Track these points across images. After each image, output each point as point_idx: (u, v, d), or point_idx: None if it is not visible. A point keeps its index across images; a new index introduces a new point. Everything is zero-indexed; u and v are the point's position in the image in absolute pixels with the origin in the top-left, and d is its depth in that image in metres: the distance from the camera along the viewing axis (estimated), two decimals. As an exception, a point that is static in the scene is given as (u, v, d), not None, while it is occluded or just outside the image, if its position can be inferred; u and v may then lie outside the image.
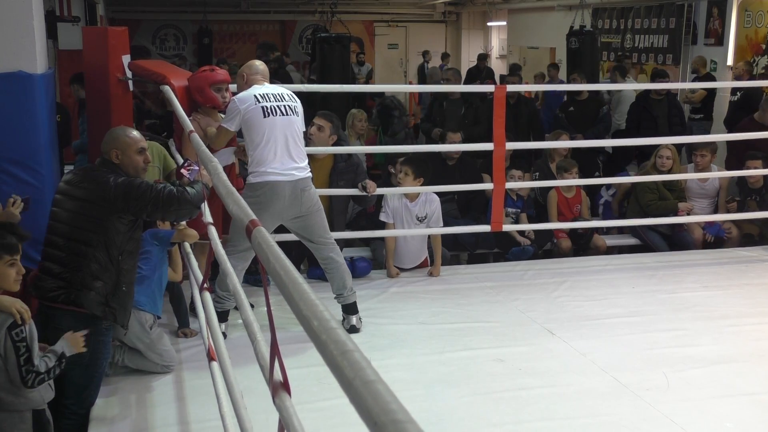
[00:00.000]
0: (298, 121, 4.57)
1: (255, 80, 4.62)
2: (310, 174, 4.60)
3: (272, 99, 4.50)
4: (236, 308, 4.45)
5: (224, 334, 4.33)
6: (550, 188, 6.79)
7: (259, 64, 4.74)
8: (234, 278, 2.77)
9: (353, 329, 4.70)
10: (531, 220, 6.78)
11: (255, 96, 4.47)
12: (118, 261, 3.60)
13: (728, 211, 6.80)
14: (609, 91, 10.05)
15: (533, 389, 4.01)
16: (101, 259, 3.55)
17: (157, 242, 4.21)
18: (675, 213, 6.68)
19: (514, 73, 12.45)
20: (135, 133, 3.82)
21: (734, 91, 9.31)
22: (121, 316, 3.67)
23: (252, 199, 4.27)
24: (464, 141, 7.05)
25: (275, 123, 4.45)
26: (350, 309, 4.77)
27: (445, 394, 3.96)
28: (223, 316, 4.48)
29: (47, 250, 3.61)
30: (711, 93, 10.06)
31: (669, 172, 6.70)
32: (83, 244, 3.53)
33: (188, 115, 4.51)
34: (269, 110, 4.45)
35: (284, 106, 4.51)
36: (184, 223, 4.36)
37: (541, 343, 4.62)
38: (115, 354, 4.04)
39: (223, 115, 4.76)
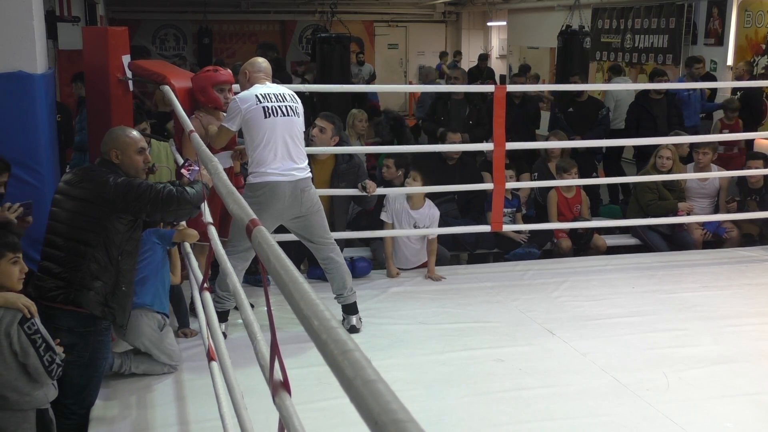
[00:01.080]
0: (299, 122, 4.57)
1: (258, 78, 4.61)
2: (310, 174, 4.59)
3: (273, 99, 4.49)
4: (236, 308, 4.45)
5: (224, 334, 4.33)
6: (549, 188, 6.78)
7: (262, 62, 4.72)
8: (234, 278, 2.77)
9: (353, 329, 4.70)
10: (531, 220, 6.77)
11: (256, 96, 4.47)
12: (118, 261, 3.61)
13: (728, 211, 6.80)
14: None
15: (533, 389, 4.01)
16: (100, 259, 3.55)
17: (159, 240, 4.20)
18: (675, 213, 6.68)
19: (522, 73, 12.45)
20: (135, 133, 3.82)
21: (734, 91, 9.31)
22: (121, 316, 3.67)
23: (252, 199, 4.27)
24: (469, 142, 7.04)
25: (276, 123, 4.44)
26: (350, 309, 4.77)
27: (445, 394, 3.96)
28: (223, 316, 4.48)
29: (46, 250, 3.60)
30: (713, 91, 10.08)
31: (669, 172, 6.70)
32: (82, 244, 3.54)
33: (188, 115, 4.50)
34: (270, 111, 4.44)
35: (285, 106, 4.50)
36: (183, 223, 4.36)
37: (541, 343, 4.63)
38: (122, 364, 4.04)
39: (225, 114, 4.76)
